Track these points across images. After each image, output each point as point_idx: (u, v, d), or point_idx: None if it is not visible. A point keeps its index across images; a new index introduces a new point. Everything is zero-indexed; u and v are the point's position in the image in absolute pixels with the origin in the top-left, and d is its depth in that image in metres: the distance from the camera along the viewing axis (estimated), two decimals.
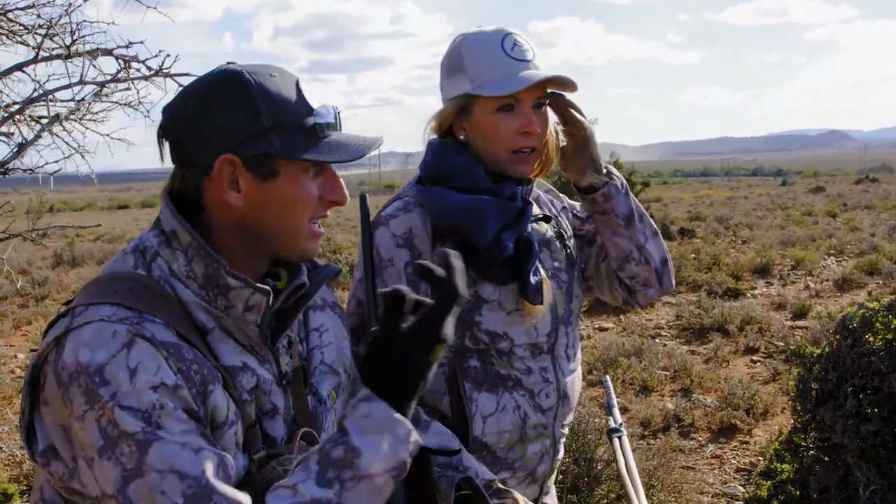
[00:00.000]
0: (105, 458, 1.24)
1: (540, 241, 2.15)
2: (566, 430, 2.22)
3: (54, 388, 1.29)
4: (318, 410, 1.60)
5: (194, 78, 1.54)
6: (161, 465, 1.22)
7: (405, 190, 2.12)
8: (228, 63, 1.49)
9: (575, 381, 2.20)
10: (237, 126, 1.42)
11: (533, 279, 2.03)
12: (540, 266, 2.09)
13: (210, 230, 1.47)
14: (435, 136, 2.13)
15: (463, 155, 2.06)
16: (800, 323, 9.66)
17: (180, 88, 1.59)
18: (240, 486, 1.36)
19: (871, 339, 3.75)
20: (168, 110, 1.48)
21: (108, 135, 4.57)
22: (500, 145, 2.03)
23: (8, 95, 4.29)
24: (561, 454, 2.22)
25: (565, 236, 2.25)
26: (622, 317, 10.20)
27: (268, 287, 1.46)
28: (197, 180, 1.46)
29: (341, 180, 1.52)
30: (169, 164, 1.51)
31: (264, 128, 1.41)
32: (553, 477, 2.28)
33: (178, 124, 1.46)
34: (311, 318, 1.69)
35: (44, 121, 4.23)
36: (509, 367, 2.06)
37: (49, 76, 4.25)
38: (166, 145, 1.48)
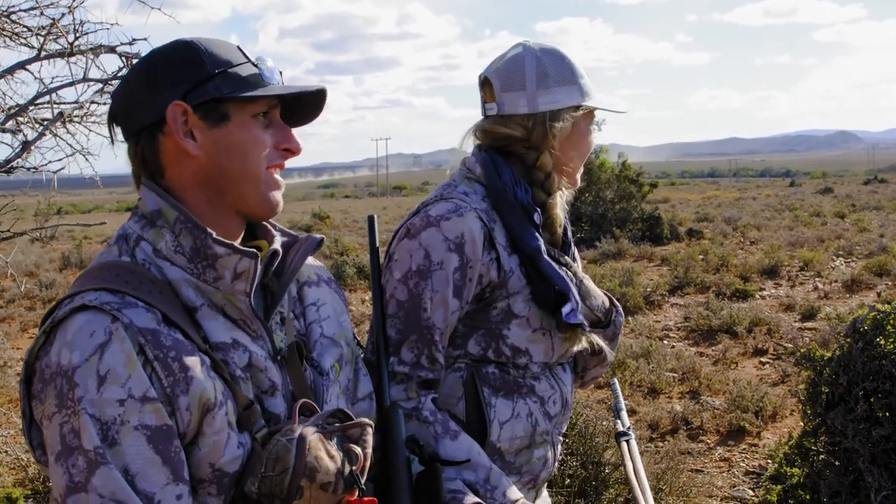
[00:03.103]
0: (59, 464, 1.28)
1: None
2: (561, 438, 2.27)
3: (37, 383, 1.34)
4: (319, 383, 1.61)
5: None
6: (104, 491, 1.26)
7: (448, 192, 2.07)
8: None
9: (572, 390, 2.24)
10: (183, 77, 1.46)
11: (572, 311, 2.06)
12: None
13: (174, 194, 1.49)
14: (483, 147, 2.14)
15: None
16: (808, 324, 9.62)
17: None
18: (247, 464, 1.40)
19: (883, 342, 3.71)
20: (115, 91, 1.54)
21: (111, 136, 4.54)
22: (584, 155, 2.14)
23: (11, 98, 4.28)
24: (557, 460, 2.25)
25: (577, 265, 2.28)
26: (630, 318, 10.16)
27: (254, 250, 1.47)
28: (153, 141, 1.48)
29: (292, 131, 1.56)
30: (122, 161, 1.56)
31: (209, 75, 1.46)
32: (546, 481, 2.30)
33: (126, 99, 1.50)
34: (307, 294, 1.70)
35: (46, 121, 4.22)
36: (523, 378, 2.08)
37: (53, 77, 4.24)
38: (118, 130, 1.53)
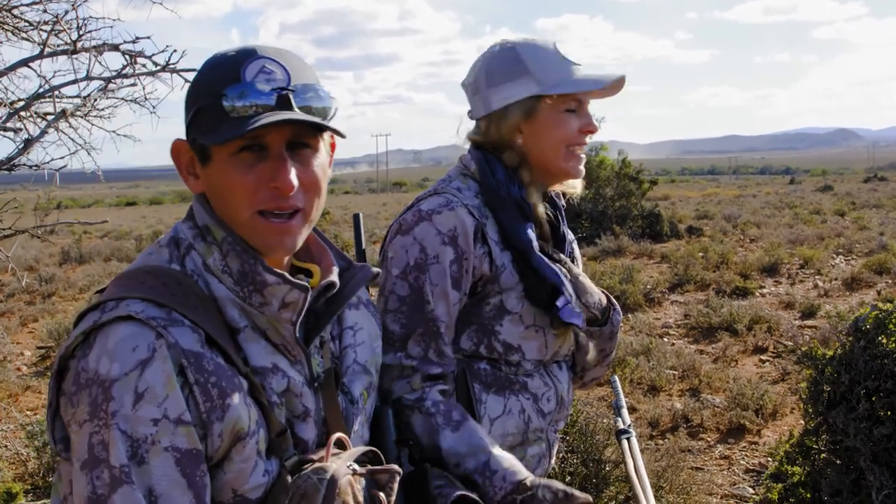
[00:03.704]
0: (84, 472, 1.27)
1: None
2: (558, 436, 2.24)
3: (70, 384, 1.31)
4: (349, 411, 1.58)
5: None
6: None
7: (442, 186, 2.08)
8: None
9: (569, 388, 2.22)
10: (187, 110, 1.42)
11: (567, 305, 2.05)
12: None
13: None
14: (470, 145, 2.15)
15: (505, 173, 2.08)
16: (808, 322, 9.62)
17: (187, 84, 1.58)
18: (272, 492, 1.38)
19: (885, 341, 3.71)
20: None
21: (114, 131, 4.55)
22: (561, 143, 2.05)
23: (13, 93, 4.28)
24: (553, 459, 2.24)
25: (576, 263, 2.27)
26: (630, 316, 10.16)
27: (306, 284, 1.44)
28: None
29: (289, 165, 1.39)
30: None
31: (197, 110, 1.40)
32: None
33: None
34: (347, 316, 1.67)
35: (49, 117, 4.21)
36: (515, 374, 2.08)
37: (55, 72, 4.22)
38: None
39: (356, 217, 1.96)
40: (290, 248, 1.44)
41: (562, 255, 2.14)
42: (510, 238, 2.01)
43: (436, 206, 2.00)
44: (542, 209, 2.12)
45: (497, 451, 1.84)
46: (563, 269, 2.09)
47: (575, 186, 2.20)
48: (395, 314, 1.96)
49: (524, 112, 2.03)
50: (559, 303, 2.01)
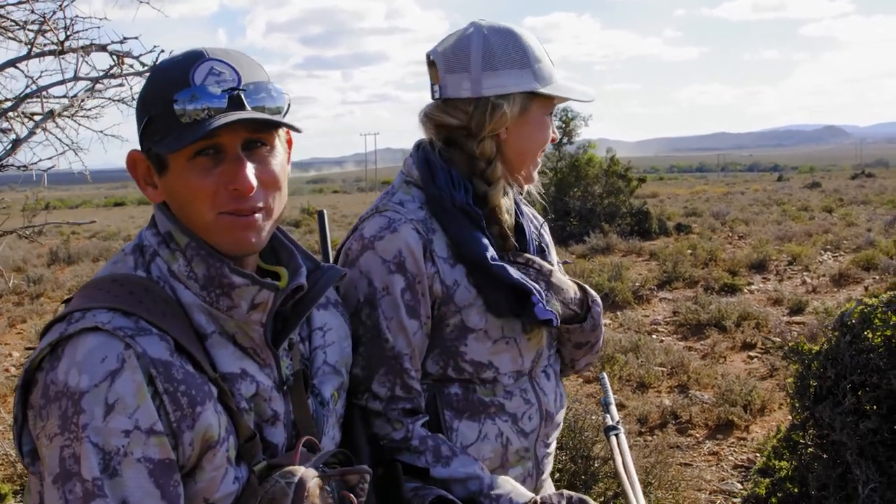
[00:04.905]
0: (56, 486, 1.25)
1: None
2: (551, 449, 2.11)
3: (39, 397, 1.29)
4: (320, 413, 1.57)
5: None
6: None
7: (384, 202, 1.93)
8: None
9: (557, 399, 2.08)
10: (139, 120, 1.40)
11: (540, 303, 1.90)
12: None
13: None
14: (429, 140, 1.97)
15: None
16: (796, 318, 9.66)
17: None
18: (241, 498, 1.37)
19: (870, 335, 3.73)
20: None
21: (101, 132, 4.54)
22: (539, 147, 1.95)
23: (1, 93, 4.27)
24: (546, 473, 2.11)
25: (546, 252, 2.11)
26: (619, 313, 10.19)
27: (274, 283, 1.42)
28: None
29: (247, 165, 1.38)
30: None
31: (149, 119, 1.38)
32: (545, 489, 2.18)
33: None
34: (315, 317, 1.65)
35: (37, 117, 4.20)
36: (491, 395, 1.93)
37: (42, 72, 4.22)
38: None
39: (320, 215, 1.88)
40: (256, 245, 1.42)
41: (527, 256, 1.97)
42: (461, 250, 1.86)
43: (377, 230, 1.84)
44: (505, 204, 1.94)
45: (494, 477, 1.81)
46: (532, 271, 1.95)
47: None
48: (355, 356, 1.81)
49: (520, 107, 1.88)
50: (534, 299, 1.86)
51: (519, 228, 2.00)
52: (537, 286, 1.90)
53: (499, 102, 1.86)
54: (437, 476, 1.78)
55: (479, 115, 1.87)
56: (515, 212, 2.01)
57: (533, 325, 1.94)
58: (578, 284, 2.08)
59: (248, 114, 1.35)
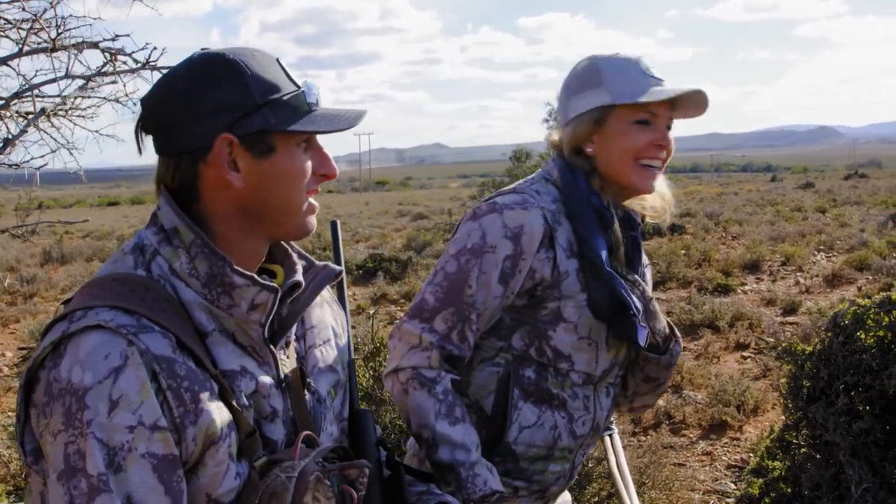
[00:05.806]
0: (61, 483, 1.26)
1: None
2: (583, 459, 2.27)
3: (42, 395, 1.30)
4: (318, 410, 1.59)
5: None
6: None
7: (523, 186, 2.12)
8: (203, 49, 1.47)
9: (606, 419, 2.22)
10: (230, 106, 1.40)
11: (638, 319, 2.06)
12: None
13: (205, 218, 1.45)
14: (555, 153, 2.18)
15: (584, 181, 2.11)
16: (790, 318, 9.68)
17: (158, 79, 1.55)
18: (242, 493, 1.38)
19: (863, 336, 3.74)
20: (148, 101, 1.45)
21: (96, 131, 4.53)
22: (630, 154, 2.07)
23: None
24: (574, 479, 2.25)
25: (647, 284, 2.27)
26: None
27: (275, 285, 1.44)
28: (193, 168, 1.43)
29: (329, 154, 1.53)
30: (148, 158, 1.48)
31: (257, 104, 1.40)
32: (561, 496, 2.30)
33: (162, 114, 1.43)
34: (310, 316, 1.67)
35: (30, 116, 4.19)
36: (560, 388, 2.08)
37: (36, 71, 4.21)
38: (148, 138, 1.46)
39: (333, 225, 1.93)
40: (314, 229, 1.55)
41: (636, 277, 2.15)
42: (583, 247, 2.03)
43: (511, 202, 2.04)
44: (616, 226, 2.12)
45: (482, 461, 1.93)
46: (637, 291, 2.11)
47: (656, 209, 2.21)
48: (435, 287, 2.02)
49: (594, 120, 2.07)
50: (633, 313, 2.03)
51: (635, 245, 2.20)
52: (637, 305, 2.07)
53: (577, 120, 2.09)
54: (437, 429, 1.92)
55: (568, 135, 2.12)
56: (636, 239, 2.20)
57: (618, 338, 2.09)
58: (669, 323, 2.25)
59: (363, 114, 1.56)
